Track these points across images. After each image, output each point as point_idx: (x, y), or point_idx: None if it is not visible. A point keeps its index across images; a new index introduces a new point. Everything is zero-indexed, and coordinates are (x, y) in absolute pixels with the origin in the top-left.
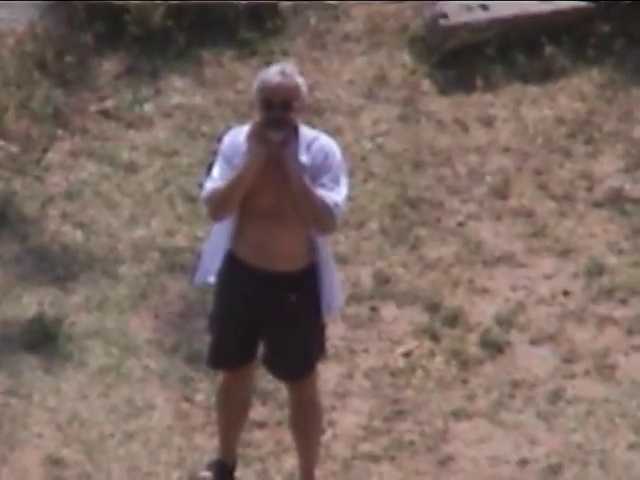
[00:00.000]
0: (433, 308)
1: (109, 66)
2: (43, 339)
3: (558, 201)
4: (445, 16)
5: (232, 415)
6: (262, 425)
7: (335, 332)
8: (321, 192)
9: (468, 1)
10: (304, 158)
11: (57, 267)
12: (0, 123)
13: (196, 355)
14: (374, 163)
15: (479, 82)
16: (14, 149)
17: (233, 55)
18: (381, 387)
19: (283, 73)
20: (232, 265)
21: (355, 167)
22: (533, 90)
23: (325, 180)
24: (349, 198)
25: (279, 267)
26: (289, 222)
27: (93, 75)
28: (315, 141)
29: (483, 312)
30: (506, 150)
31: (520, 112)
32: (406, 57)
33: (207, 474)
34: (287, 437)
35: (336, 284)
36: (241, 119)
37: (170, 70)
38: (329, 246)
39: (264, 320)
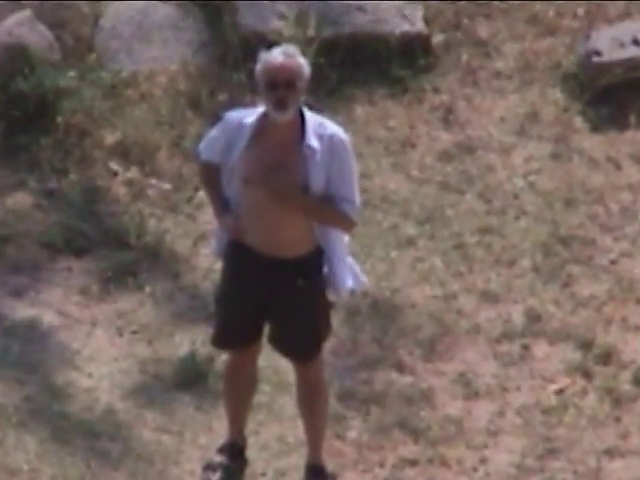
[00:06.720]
0: (586, 346)
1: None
2: (195, 377)
3: None
4: (598, 53)
5: (241, 395)
6: (414, 463)
7: (487, 370)
8: (337, 203)
9: (621, 37)
10: (313, 142)
11: (209, 305)
12: (153, 162)
13: (347, 392)
14: (526, 201)
15: (632, 119)
16: (167, 187)
17: (385, 93)
18: (533, 425)
19: (286, 53)
20: (238, 249)
21: (507, 205)
22: None
23: (337, 182)
24: (501, 236)
25: (285, 254)
26: (292, 210)
27: None
28: (322, 126)
29: (637, 350)
30: None
31: None
32: (558, 94)
33: (222, 458)
34: (439, 475)
35: (344, 266)
36: (392, 157)
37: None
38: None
39: (271, 301)
